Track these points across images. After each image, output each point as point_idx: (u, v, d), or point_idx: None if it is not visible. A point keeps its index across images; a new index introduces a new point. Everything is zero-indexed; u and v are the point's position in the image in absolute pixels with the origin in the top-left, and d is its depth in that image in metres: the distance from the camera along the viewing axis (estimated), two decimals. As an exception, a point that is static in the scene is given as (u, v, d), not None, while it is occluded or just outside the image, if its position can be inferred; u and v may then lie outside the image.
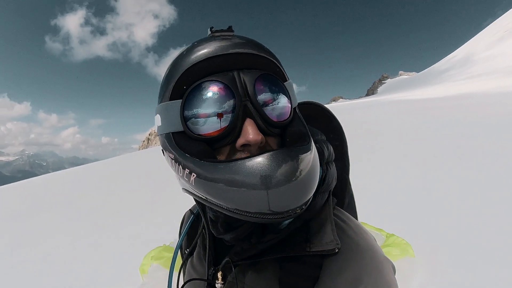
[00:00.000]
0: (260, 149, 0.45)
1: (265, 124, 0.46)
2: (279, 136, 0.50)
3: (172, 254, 0.69)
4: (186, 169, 0.46)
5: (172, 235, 0.87)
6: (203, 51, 0.47)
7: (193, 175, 0.45)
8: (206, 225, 0.59)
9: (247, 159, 0.42)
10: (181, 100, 0.47)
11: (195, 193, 0.48)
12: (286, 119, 0.50)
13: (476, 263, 2.30)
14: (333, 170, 0.60)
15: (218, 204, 0.45)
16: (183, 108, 0.47)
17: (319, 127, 0.68)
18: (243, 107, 0.45)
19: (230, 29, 0.50)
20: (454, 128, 7.70)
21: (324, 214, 0.54)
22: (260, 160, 0.41)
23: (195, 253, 0.67)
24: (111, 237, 4.68)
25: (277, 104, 0.48)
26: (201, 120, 0.46)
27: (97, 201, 7.29)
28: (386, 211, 3.42)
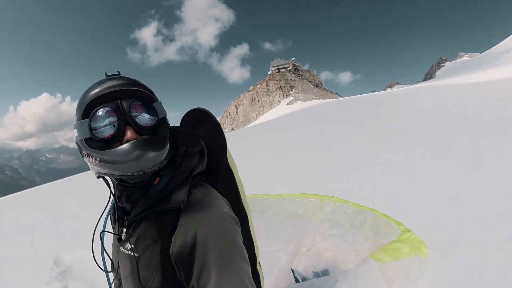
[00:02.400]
0: None
1: (138, 129, 0.70)
2: (152, 134, 0.72)
3: None
4: (94, 158, 0.68)
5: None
6: (99, 90, 0.69)
7: (97, 160, 0.68)
8: (114, 199, 0.81)
9: (122, 145, 0.66)
10: (88, 119, 0.70)
11: (101, 171, 0.70)
12: (152, 125, 0.72)
13: (499, 273, 1.83)
14: (193, 161, 0.79)
15: (114, 174, 0.68)
16: (90, 123, 0.69)
17: (203, 126, 0.90)
18: (124, 120, 0.69)
19: (118, 73, 0.73)
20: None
21: (183, 185, 0.75)
22: (128, 144, 0.65)
23: (112, 220, 0.90)
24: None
25: (144, 117, 0.71)
26: (100, 130, 0.69)
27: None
28: (414, 206, 3.03)
